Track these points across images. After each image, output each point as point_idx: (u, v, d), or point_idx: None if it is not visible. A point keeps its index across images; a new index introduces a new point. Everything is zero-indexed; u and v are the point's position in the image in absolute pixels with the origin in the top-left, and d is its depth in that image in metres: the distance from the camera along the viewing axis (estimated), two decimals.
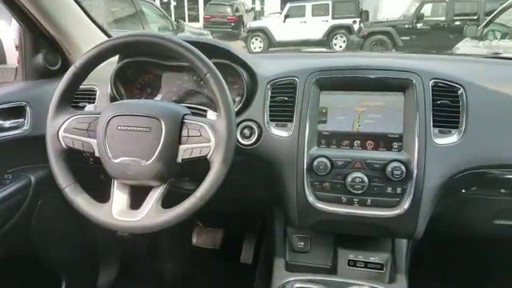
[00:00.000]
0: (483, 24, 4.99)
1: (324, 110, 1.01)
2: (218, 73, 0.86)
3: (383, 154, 0.96)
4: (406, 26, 9.52)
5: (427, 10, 9.61)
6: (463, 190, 1.06)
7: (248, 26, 13.00)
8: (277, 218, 1.27)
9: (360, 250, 1.15)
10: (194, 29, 9.46)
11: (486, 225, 1.10)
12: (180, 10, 20.14)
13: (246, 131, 1.06)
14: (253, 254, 1.70)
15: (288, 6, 12.31)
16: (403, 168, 0.93)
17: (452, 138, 0.95)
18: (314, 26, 11.72)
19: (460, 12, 8.92)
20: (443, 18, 9.25)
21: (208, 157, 0.85)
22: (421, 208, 0.94)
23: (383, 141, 0.97)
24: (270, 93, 1.06)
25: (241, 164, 1.07)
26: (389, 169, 0.94)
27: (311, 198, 0.99)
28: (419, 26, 9.43)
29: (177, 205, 0.85)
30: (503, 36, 4.57)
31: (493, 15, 4.99)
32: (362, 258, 1.14)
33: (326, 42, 11.63)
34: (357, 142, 0.99)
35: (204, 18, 15.26)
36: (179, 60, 0.97)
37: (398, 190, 0.95)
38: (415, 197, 0.93)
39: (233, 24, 14.47)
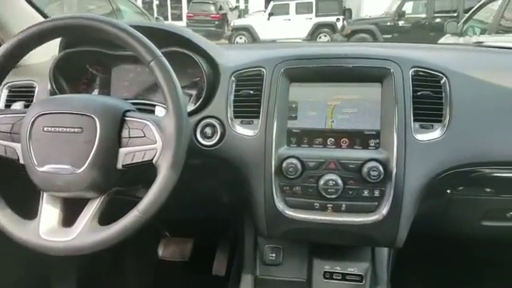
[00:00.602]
0: (463, 20, 5.01)
1: (294, 105, 0.92)
2: (165, 60, 0.74)
3: (359, 153, 0.88)
4: (388, 24, 9.55)
5: (408, 7, 9.66)
6: (448, 191, 0.97)
7: (232, 25, 12.91)
8: (247, 226, 1.16)
9: (337, 260, 1.05)
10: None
11: (473, 226, 1.03)
12: (163, 9, 19.88)
13: (208, 130, 0.95)
14: (226, 265, 1.57)
15: (272, 3, 12.28)
16: (381, 168, 0.85)
17: (434, 134, 0.87)
18: (298, 24, 11.72)
19: (440, 9, 9.01)
20: (424, 16, 9.32)
21: (154, 161, 0.73)
22: (402, 212, 0.85)
23: (359, 138, 0.89)
24: (234, 86, 0.96)
25: (202, 167, 0.98)
26: (365, 169, 0.85)
27: (281, 205, 0.90)
28: (401, 23, 9.47)
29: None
30: (482, 32, 4.59)
31: (471, 12, 5.04)
32: (340, 270, 1.04)
33: (310, 41, 11.60)
34: (330, 140, 0.91)
35: (187, 16, 15.05)
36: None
37: (376, 193, 0.86)
38: (395, 200, 0.85)
39: (217, 22, 14.27)
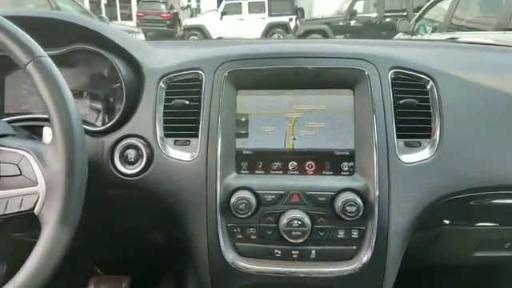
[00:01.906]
0: (414, 19, 5.09)
1: (244, 119, 0.74)
2: (48, 61, 0.56)
3: (330, 181, 0.71)
4: (341, 24, 9.64)
5: (359, 6, 9.80)
6: (442, 222, 0.80)
7: (184, 24, 12.59)
8: (190, 273, 0.91)
9: None
10: (126, 27, 8.83)
11: (463, 257, 0.92)
12: (112, 9, 19.21)
13: (130, 153, 0.75)
14: None
15: (224, 2, 12.08)
16: (359, 201, 0.68)
17: (423, 154, 0.72)
18: (252, 24, 11.56)
19: (390, 8, 9.23)
20: (375, 15, 9.49)
21: (35, 212, 0.54)
22: (387, 258, 0.70)
23: (329, 160, 0.72)
24: (163, 94, 0.77)
25: (123, 202, 0.81)
26: (339, 203, 0.68)
27: (230, 254, 0.71)
28: (352, 23, 9.58)
29: None
30: (433, 30, 4.67)
31: (422, 10, 5.15)
32: None
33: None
34: (292, 165, 0.73)
35: (137, 15, 14.56)
36: None
37: (354, 234, 0.69)
38: (379, 242, 0.69)
39: (168, 22, 13.90)
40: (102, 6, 18.88)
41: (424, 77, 0.75)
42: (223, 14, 11.81)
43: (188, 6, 17.27)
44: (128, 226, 0.87)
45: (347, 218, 0.68)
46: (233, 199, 0.69)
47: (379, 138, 0.69)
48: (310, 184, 0.71)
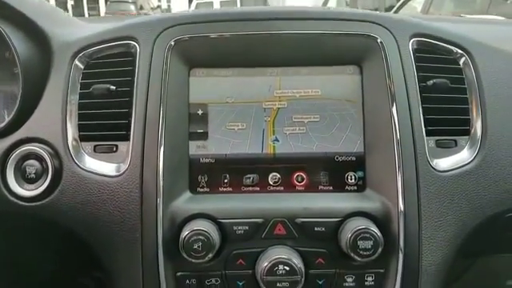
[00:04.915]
0: None
1: (200, 111, 0.54)
2: None
3: (330, 201, 0.52)
4: None
5: (332, 5, 9.83)
6: (487, 249, 0.60)
7: None
8: None
9: None
10: None
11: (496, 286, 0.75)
12: (79, 10, 18.90)
13: (29, 167, 0.54)
14: None
15: (195, 2, 11.90)
16: (375, 231, 0.47)
17: (462, 156, 0.53)
18: None
19: (363, 7, 9.30)
20: None
21: None
22: None
23: (327, 170, 0.53)
24: (79, 77, 0.57)
25: (18, 234, 0.61)
26: (346, 234, 0.47)
27: None
28: None
29: None
30: None
31: (395, 8, 5.22)
32: None
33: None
34: (274, 177, 0.53)
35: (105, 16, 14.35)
36: None
37: (369, 281, 0.50)
38: None
39: None
40: (69, 7, 18.49)
41: (456, 49, 0.56)
42: None
43: (158, 7, 17.32)
44: (35, 270, 0.64)
45: (359, 258, 0.47)
46: (184, 234, 0.47)
47: (402, 136, 0.50)
48: (302, 206, 0.50)
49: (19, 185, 0.53)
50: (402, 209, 0.48)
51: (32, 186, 0.53)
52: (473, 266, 0.68)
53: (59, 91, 0.54)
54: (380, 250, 0.46)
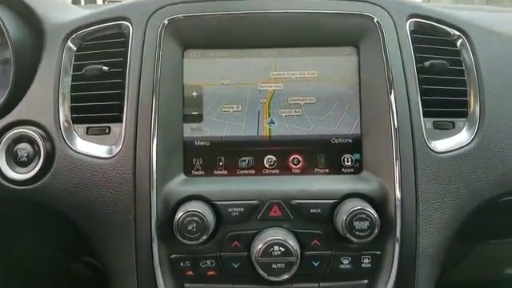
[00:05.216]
0: None
1: (195, 93, 0.54)
2: None
3: (326, 183, 0.52)
4: None
5: None
6: (485, 234, 0.63)
7: None
8: None
9: None
10: None
11: (492, 274, 0.76)
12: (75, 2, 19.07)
13: (21, 150, 0.53)
14: None
15: None
16: (371, 212, 0.47)
17: (460, 138, 0.53)
18: None
19: None
20: None
21: None
22: None
23: (323, 153, 0.53)
24: (72, 58, 0.56)
25: (10, 218, 0.60)
26: (342, 216, 0.47)
27: None
28: None
29: None
30: None
31: None
32: None
33: None
34: (270, 160, 0.53)
35: None
36: None
37: (366, 263, 0.49)
38: (402, 273, 0.49)
39: None
40: None
41: (453, 31, 0.56)
42: None
43: None
44: (29, 257, 0.65)
45: (355, 240, 0.47)
46: (178, 215, 0.47)
47: (399, 118, 0.50)
48: (297, 188, 0.49)
49: (11, 168, 0.53)
50: (399, 190, 0.48)
51: (24, 170, 0.52)
52: (471, 252, 0.68)
53: (51, 73, 0.54)
54: (376, 231, 0.46)
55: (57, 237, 0.63)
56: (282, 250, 0.46)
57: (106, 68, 0.53)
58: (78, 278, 0.75)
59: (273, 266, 0.46)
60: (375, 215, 0.46)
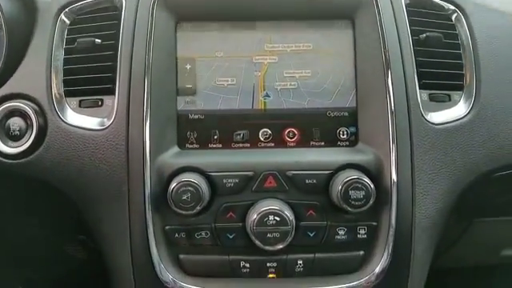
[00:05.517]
0: None
1: (188, 66, 0.53)
2: None
3: (322, 155, 0.52)
4: None
5: None
6: (481, 210, 0.62)
7: None
8: None
9: None
10: None
11: (488, 257, 0.77)
12: None
13: (13, 123, 0.53)
14: None
15: None
16: (367, 182, 0.47)
17: (456, 110, 0.53)
18: None
19: None
20: None
21: None
22: (411, 267, 0.50)
23: (319, 126, 0.53)
24: (65, 32, 0.56)
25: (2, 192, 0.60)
26: (337, 186, 0.47)
27: (170, 273, 0.50)
28: None
29: None
30: None
31: None
32: None
33: None
34: (265, 133, 0.53)
35: None
36: None
37: (362, 234, 0.49)
38: (398, 244, 0.49)
39: None
40: None
41: (448, 5, 0.56)
42: None
43: None
44: (20, 235, 0.65)
45: (351, 209, 0.47)
46: (172, 185, 0.47)
47: (395, 89, 0.50)
48: (293, 160, 0.49)
49: (3, 142, 0.53)
50: (395, 160, 0.48)
51: (16, 143, 0.52)
52: (467, 232, 0.68)
53: (44, 47, 0.54)
54: (372, 200, 0.46)
55: (50, 214, 0.62)
56: (277, 219, 0.46)
57: (98, 40, 0.53)
58: (73, 260, 0.75)
59: (268, 235, 0.46)
60: (371, 186, 0.46)
